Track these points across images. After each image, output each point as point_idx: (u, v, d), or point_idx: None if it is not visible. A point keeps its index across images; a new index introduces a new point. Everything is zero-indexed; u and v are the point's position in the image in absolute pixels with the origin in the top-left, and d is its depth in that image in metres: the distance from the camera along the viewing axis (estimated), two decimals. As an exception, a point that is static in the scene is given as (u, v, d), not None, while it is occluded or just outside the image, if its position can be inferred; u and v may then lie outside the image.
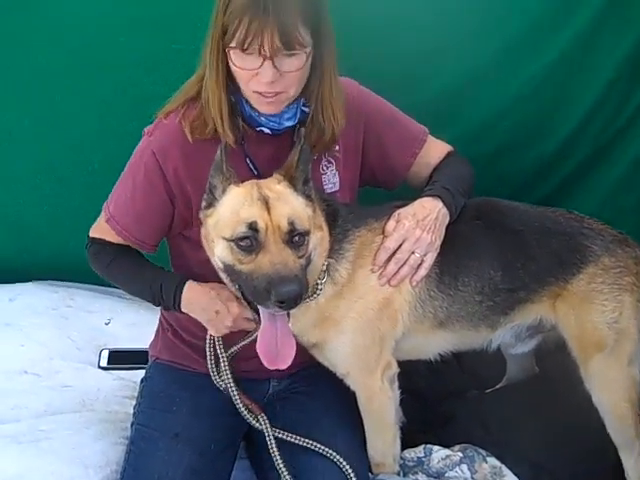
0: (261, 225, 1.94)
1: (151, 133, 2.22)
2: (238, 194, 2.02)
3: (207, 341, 2.28)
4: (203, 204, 2.09)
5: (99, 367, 2.98)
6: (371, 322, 2.23)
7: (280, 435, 2.27)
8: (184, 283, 2.22)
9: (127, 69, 2.99)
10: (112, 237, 2.31)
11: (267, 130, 2.17)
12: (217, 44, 2.05)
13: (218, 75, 2.09)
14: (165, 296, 2.23)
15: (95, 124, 3.09)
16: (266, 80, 2.00)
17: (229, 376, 2.26)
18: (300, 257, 1.97)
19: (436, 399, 2.79)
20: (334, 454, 2.24)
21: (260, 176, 2.18)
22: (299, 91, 2.11)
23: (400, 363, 2.35)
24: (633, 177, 3.18)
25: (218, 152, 2.02)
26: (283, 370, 2.33)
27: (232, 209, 2.01)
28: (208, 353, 2.28)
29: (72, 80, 3.03)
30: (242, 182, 2.06)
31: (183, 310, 2.23)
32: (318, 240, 2.09)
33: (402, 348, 2.34)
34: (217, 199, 2.05)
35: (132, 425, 2.41)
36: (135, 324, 3.19)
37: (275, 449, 2.23)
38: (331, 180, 2.34)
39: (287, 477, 2.18)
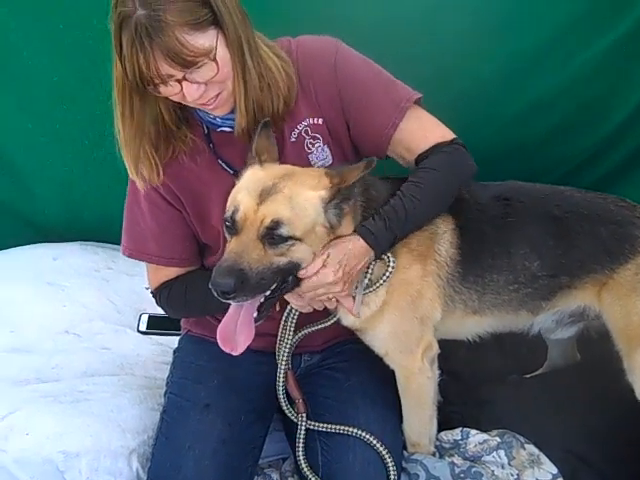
0: (241, 215, 1.91)
1: None
2: (254, 177, 2.00)
3: (284, 316, 2.26)
4: None
5: (138, 331, 3.03)
6: (407, 310, 2.21)
7: (312, 427, 2.29)
8: None
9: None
10: (164, 273, 2.34)
11: (227, 129, 2.15)
12: (122, 85, 1.99)
13: (133, 117, 2.04)
14: None
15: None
16: (194, 97, 1.97)
17: (289, 359, 2.29)
18: (277, 255, 1.92)
19: (475, 382, 2.75)
20: (367, 436, 2.23)
21: (237, 173, 2.12)
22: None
23: (440, 345, 2.32)
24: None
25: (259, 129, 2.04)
26: (316, 345, 2.40)
27: (237, 189, 2.00)
28: (281, 330, 2.28)
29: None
30: (264, 163, 2.04)
31: None
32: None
33: (437, 330, 2.31)
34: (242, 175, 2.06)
35: (165, 394, 2.44)
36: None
37: (301, 447, 2.28)
38: (320, 156, 2.23)
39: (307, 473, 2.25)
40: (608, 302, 2.27)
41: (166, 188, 2.21)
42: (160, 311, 3.01)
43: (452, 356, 2.63)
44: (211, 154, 2.19)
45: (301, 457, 2.27)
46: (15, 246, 3.42)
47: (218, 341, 2.01)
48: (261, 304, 1.99)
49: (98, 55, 2.96)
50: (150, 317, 3.07)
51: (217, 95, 2.01)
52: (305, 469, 2.25)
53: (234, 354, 2.01)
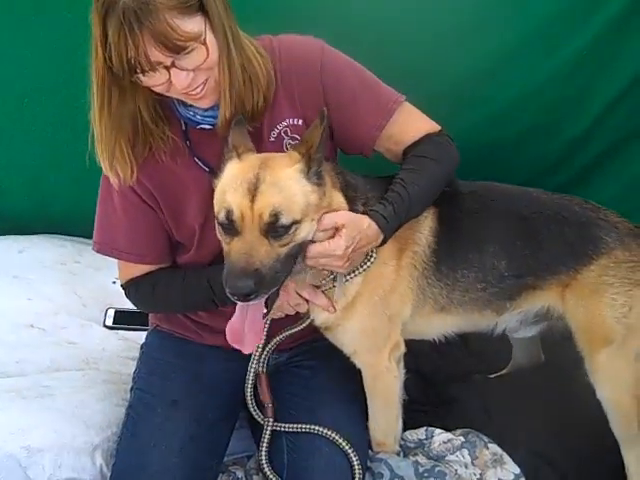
0: (237, 215, 1.87)
1: None
2: (234, 171, 1.97)
3: None
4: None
5: (104, 326, 2.99)
6: (379, 305, 2.21)
7: (279, 428, 2.29)
8: None
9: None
10: (134, 269, 2.32)
11: (207, 126, 2.12)
12: (102, 77, 1.93)
13: (110, 112, 1.99)
14: (216, 289, 2.15)
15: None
16: (183, 85, 1.93)
17: (263, 364, 2.32)
18: (283, 245, 1.91)
19: (440, 381, 2.79)
20: (333, 435, 2.24)
21: (214, 171, 2.10)
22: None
23: (407, 343, 2.33)
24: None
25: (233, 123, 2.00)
26: (284, 344, 2.38)
27: (222, 188, 1.96)
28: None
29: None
30: (241, 156, 2.00)
31: None
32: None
33: (404, 329, 2.32)
34: (221, 172, 2.02)
35: (131, 390, 2.42)
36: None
37: (264, 450, 2.27)
38: None
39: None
40: (571, 303, 2.30)
41: (141, 186, 2.18)
42: (127, 306, 3.01)
43: (418, 355, 2.65)
44: (188, 152, 2.16)
45: (264, 460, 2.26)
46: (-20, 238, 3.36)
47: (229, 340, 1.99)
48: (267, 298, 1.97)
49: (70, 48, 2.96)
50: (116, 312, 3.05)
51: (204, 83, 1.98)
52: (268, 472, 2.24)
53: (245, 353, 2.01)
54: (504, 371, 2.85)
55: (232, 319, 1.99)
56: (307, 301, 2.16)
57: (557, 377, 2.65)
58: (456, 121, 3.00)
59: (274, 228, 1.88)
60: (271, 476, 2.23)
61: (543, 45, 2.98)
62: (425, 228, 2.24)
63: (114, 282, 3.20)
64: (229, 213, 1.89)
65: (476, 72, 3.02)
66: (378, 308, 2.21)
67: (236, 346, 1.99)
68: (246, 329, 1.97)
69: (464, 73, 3.00)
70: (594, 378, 2.30)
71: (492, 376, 2.83)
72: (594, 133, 3.16)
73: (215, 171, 2.07)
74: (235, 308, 2.00)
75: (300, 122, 2.19)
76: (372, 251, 2.14)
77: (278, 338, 2.31)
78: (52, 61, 3.05)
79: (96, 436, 2.32)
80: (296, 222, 1.91)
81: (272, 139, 2.19)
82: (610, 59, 3.01)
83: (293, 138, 2.19)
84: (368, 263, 2.15)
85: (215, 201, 1.98)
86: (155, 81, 1.93)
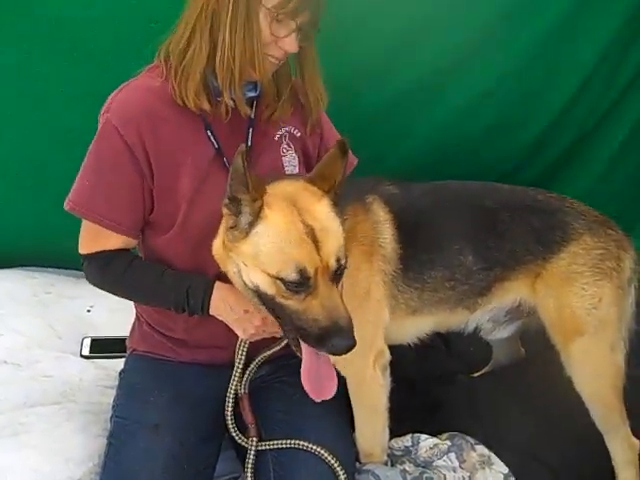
0: (311, 271, 1.83)
1: (107, 109, 2.12)
2: (279, 225, 1.86)
3: (237, 346, 2.25)
4: (229, 222, 1.95)
5: (81, 356, 2.94)
6: (358, 312, 2.13)
7: (263, 448, 2.26)
8: (213, 284, 2.13)
9: (108, 52, 2.91)
10: (106, 243, 2.19)
11: (230, 103, 2.11)
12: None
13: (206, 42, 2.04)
14: (192, 300, 2.12)
15: (79, 111, 2.93)
16: (292, 50, 2.05)
17: (245, 386, 2.29)
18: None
19: (424, 385, 2.77)
20: (320, 450, 2.20)
21: (220, 150, 2.13)
22: None
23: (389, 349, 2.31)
24: (619, 161, 3.19)
25: (238, 161, 1.81)
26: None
27: (277, 246, 1.86)
28: (237, 359, 2.26)
29: (51, 67, 2.95)
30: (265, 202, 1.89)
31: (211, 313, 2.13)
32: None
33: None
34: (248, 224, 1.89)
35: (111, 418, 2.36)
36: (118, 310, 3.07)
37: (250, 471, 2.24)
38: (291, 162, 2.27)
39: None
40: (542, 294, 2.30)
41: (142, 150, 2.09)
42: (103, 334, 2.99)
43: (400, 360, 2.61)
44: (201, 122, 2.14)
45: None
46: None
47: (308, 393, 2.00)
48: None
49: (29, 84, 2.95)
50: (93, 341, 2.99)
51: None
52: None
53: (327, 398, 2.01)
54: (486, 369, 2.84)
55: (304, 373, 1.98)
56: None
57: (540, 372, 2.64)
58: (420, 120, 3.03)
59: (338, 274, 1.88)
60: None
61: (497, 41, 3.00)
62: (387, 234, 2.23)
63: (89, 310, 3.17)
64: (303, 271, 1.83)
65: (430, 74, 3.02)
66: (358, 315, 2.16)
67: (317, 397, 2.00)
68: (322, 376, 1.98)
69: (418, 75, 3.01)
70: (570, 371, 2.29)
71: (475, 375, 2.83)
72: (555, 130, 3.19)
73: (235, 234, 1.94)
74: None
75: (299, 134, 2.29)
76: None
77: (258, 360, 2.29)
78: (14, 90, 3.03)
79: (77, 469, 2.27)
80: (346, 259, 1.92)
81: (276, 138, 2.26)
82: (564, 56, 3.06)
83: (289, 144, 2.27)
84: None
85: (271, 260, 1.87)
86: (279, 31, 2.03)
